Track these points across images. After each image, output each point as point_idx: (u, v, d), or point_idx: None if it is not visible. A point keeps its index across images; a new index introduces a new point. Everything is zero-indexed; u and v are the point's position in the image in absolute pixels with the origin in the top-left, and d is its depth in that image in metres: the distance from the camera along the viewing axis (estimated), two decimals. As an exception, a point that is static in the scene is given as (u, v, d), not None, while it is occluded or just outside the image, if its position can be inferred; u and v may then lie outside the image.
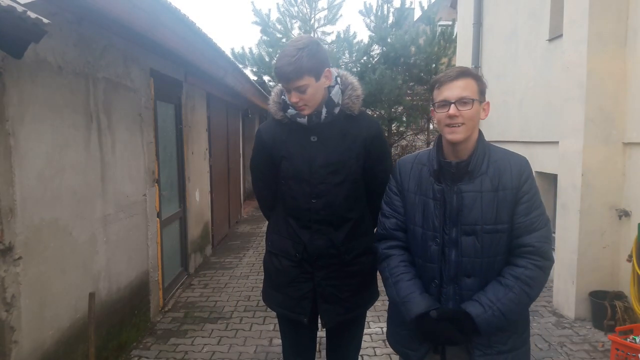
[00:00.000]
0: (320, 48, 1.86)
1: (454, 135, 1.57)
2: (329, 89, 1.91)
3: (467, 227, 1.60)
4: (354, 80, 1.99)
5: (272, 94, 2.02)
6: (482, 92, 1.61)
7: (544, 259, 1.60)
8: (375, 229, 1.88)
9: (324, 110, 1.90)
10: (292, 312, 2.01)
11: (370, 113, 13.57)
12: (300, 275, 1.98)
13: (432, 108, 1.66)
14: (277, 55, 1.97)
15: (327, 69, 1.86)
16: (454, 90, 1.56)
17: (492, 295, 1.56)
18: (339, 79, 1.95)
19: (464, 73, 1.59)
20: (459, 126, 1.56)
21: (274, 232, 2.08)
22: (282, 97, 1.95)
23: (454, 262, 1.62)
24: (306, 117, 1.89)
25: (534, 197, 1.62)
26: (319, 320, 2.07)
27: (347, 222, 1.97)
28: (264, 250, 2.19)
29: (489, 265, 1.61)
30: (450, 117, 1.55)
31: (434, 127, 13.99)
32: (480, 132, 1.66)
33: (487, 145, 1.66)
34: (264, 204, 2.18)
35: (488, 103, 1.64)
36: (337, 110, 1.92)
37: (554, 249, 4.68)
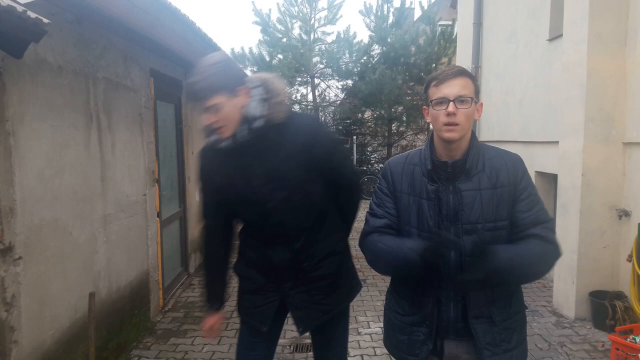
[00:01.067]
0: (234, 64, 1.77)
1: (451, 133, 1.55)
2: (247, 105, 1.75)
3: (467, 226, 1.58)
4: (277, 84, 1.83)
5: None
6: (477, 92, 1.60)
7: (554, 245, 1.61)
8: (363, 228, 1.78)
9: (242, 128, 1.74)
10: (253, 320, 2.00)
11: (370, 113, 13.68)
12: (267, 284, 1.96)
13: (425, 106, 1.64)
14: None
15: (243, 86, 1.72)
16: (454, 88, 1.54)
17: (510, 247, 1.55)
18: (260, 89, 1.79)
19: (462, 72, 1.58)
20: (456, 125, 1.54)
21: (241, 243, 2.07)
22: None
23: (454, 262, 1.59)
24: (227, 139, 1.76)
25: (532, 193, 1.62)
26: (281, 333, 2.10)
27: (303, 232, 1.91)
28: None
29: None
30: (449, 114, 1.53)
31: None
32: (472, 132, 1.65)
33: (480, 145, 1.66)
34: (207, 236, 2.07)
35: (481, 104, 1.63)
36: (258, 123, 1.75)
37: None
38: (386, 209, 1.72)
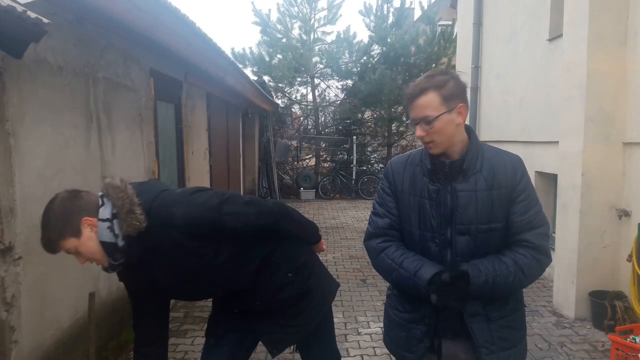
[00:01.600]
0: (68, 204, 1.59)
1: (432, 150, 1.58)
2: (99, 234, 1.60)
3: (461, 227, 1.59)
4: (120, 187, 1.62)
5: None
6: (448, 98, 1.53)
7: (543, 256, 1.60)
8: (367, 229, 1.81)
9: (109, 261, 1.64)
10: (212, 337, 2.06)
11: (370, 113, 13.69)
12: (241, 318, 2.01)
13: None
14: None
15: (82, 219, 1.58)
16: (416, 110, 1.55)
17: (489, 265, 1.56)
18: (107, 207, 1.61)
19: (422, 89, 1.54)
20: (430, 142, 1.56)
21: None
22: None
23: (450, 262, 1.60)
24: (106, 269, 1.70)
25: (530, 195, 1.61)
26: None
27: (245, 289, 1.91)
28: None
29: None
30: (419, 137, 1.57)
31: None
32: (472, 131, 1.64)
33: (480, 145, 1.65)
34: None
35: (462, 105, 1.56)
36: (122, 248, 1.61)
37: (553, 249, 4.69)
38: (388, 208, 1.73)
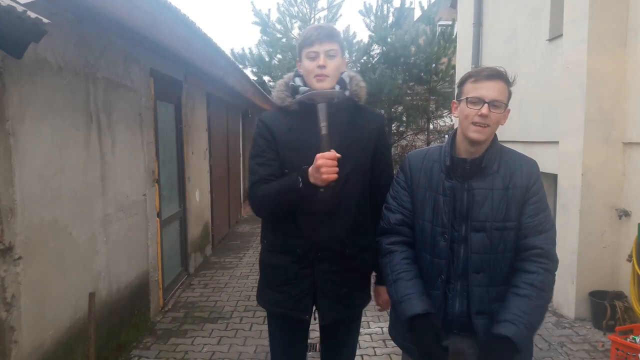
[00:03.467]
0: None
1: (479, 134, 1.58)
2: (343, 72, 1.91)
3: (477, 224, 1.61)
4: (357, 74, 1.98)
5: (279, 83, 1.95)
6: (509, 98, 1.62)
7: (551, 261, 1.63)
8: (379, 223, 1.83)
9: (337, 87, 1.86)
10: (293, 311, 1.93)
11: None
12: (300, 271, 1.90)
13: (456, 101, 1.66)
14: (304, 31, 1.92)
15: (345, 53, 1.86)
16: (492, 91, 1.56)
17: (517, 309, 1.55)
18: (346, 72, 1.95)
19: (501, 76, 1.59)
20: (485, 127, 1.56)
21: (270, 229, 1.99)
22: (291, 83, 1.91)
23: (462, 258, 1.63)
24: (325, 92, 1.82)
25: (541, 199, 1.65)
26: (312, 319, 2.01)
27: (352, 215, 1.91)
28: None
29: (496, 262, 1.63)
30: (482, 116, 1.55)
31: (433, 127, 14.00)
32: (495, 134, 1.68)
33: (500, 146, 1.69)
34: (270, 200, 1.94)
35: (509, 110, 1.64)
36: (347, 93, 1.87)
37: (554, 249, 4.69)
38: (401, 202, 1.75)
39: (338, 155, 1.68)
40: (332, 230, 1.88)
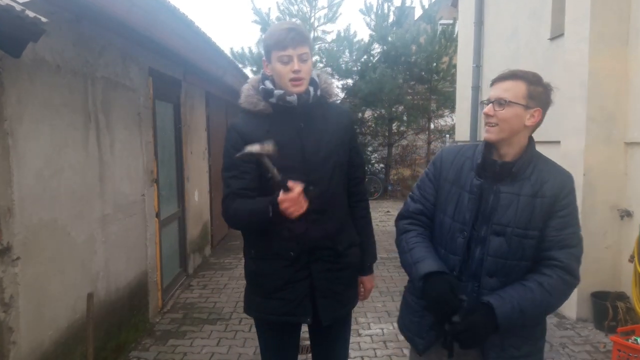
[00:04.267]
0: None
1: (488, 134, 1.59)
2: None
3: (497, 227, 1.59)
4: (323, 72, 2.00)
5: (246, 87, 1.91)
6: (531, 96, 1.56)
7: (570, 276, 1.58)
8: (400, 210, 1.87)
9: (311, 89, 1.85)
10: (292, 316, 1.90)
11: (370, 112, 13.66)
12: (295, 274, 1.87)
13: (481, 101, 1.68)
14: (270, 27, 1.92)
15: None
16: (497, 90, 1.58)
17: (513, 292, 1.55)
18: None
19: (514, 75, 1.58)
20: (492, 126, 1.57)
21: (258, 237, 1.92)
22: (262, 86, 1.86)
23: (477, 259, 1.61)
24: (296, 96, 1.79)
25: (571, 214, 1.61)
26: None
27: (339, 211, 1.93)
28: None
29: (512, 268, 1.59)
30: (485, 115, 1.59)
31: (434, 126, 13.99)
32: (531, 139, 1.65)
33: (537, 154, 1.67)
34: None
35: (539, 111, 1.59)
36: (319, 92, 1.88)
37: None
38: (425, 193, 1.77)
39: (300, 188, 1.66)
40: (324, 228, 1.87)
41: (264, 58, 1.89)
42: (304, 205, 1.68)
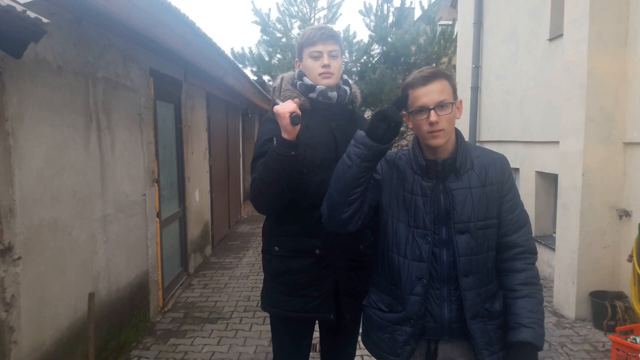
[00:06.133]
0: None
1: (436, 140, 1.53)
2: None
3: (460, 225, 1.56)
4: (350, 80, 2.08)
5: (284, 83, 1.94)
6: (455, 91, 1.58)
7: (533, 255, 1.65)
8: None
9: (347, 89, 1.94)
10: (316, 313, 1.90)
11: (370, 113, 13.67)
12: (321, 271, 1.88)
13: (405, 112, 1.58)
14: (304, 31, 1.96)
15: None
16: (432, 94, 1.51)
17: (525, 312, 1.57)
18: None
19: (436, 74, 1.54)
20: (440, 131, 1.52)
21: (283, 234, 1.92)
22: (300, 81, 1.90)
23: (447, 262, 1.57)
24: (336, 92, 1.88)
25: (515, 194, 1.65)
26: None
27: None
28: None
29: (483, 262, 1.60)
30: (432, 124, 1.50)
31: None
32: (457, 130, 1.63)
33: (466, 143, 1.66)
34: (277, 200, 1.87)
35: (461, 101, 1.61)
36: (349, 93, 1.95)
37: (553, 249, 4.68)
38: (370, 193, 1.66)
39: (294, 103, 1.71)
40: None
41: (296, 58, 1.97)
42: (287, 107, 1.68)
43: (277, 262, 1.94)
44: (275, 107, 1.70)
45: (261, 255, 2.06)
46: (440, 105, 1.51)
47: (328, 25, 1.91)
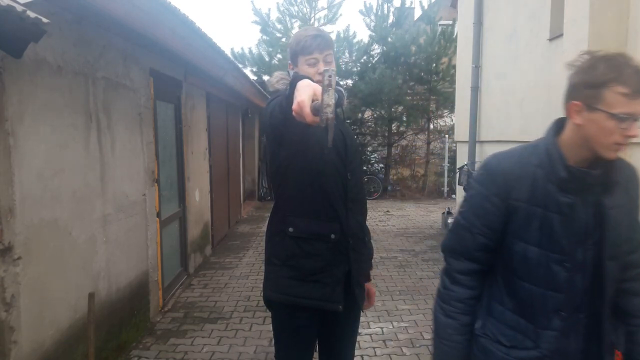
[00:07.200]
0: None
1: (614, 153, 1.28)
2: None
3: (612, 250, 1.33)
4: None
5: (279, 76, 2.01)
6: None
7: None
8: (446, 237, 1.55)
9: (338, 87, 1.96)
10: (326, 302, 1.82)
11: (370, 113, 13.69)
12: (335, 257, 1.83)
13: (582, 103, 1.34)
14: (296, 34, 1.97)
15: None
16: None
17: None
18: None
19: None
20: (624, 144, 1.27)
21: (300, 214, 1.85)
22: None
23: (581, 289, 1.34)
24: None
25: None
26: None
27: (364, 202, 2.06)
28: (267, 243, 1.97)
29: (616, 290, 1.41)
30: (629, 137, 1.24)
31: (434, 126, 14.00)
32: None
33: None
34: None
35: None
36: (345, 95, 1.97)
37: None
38: (488, 223, 1.40)
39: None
40: (357, 218, 1.96)
41: (289, 61, 1.99)
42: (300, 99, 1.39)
43: (291, 244, 1.85)
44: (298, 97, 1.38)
45: (267, 241, 1.96)
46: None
47: (321, 29, 1.93)
